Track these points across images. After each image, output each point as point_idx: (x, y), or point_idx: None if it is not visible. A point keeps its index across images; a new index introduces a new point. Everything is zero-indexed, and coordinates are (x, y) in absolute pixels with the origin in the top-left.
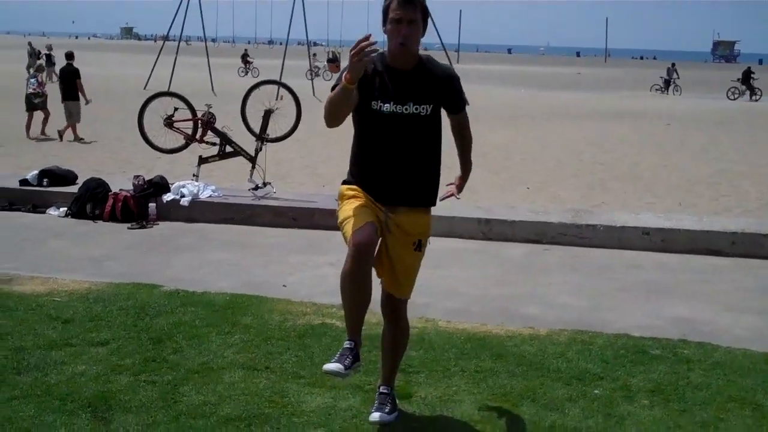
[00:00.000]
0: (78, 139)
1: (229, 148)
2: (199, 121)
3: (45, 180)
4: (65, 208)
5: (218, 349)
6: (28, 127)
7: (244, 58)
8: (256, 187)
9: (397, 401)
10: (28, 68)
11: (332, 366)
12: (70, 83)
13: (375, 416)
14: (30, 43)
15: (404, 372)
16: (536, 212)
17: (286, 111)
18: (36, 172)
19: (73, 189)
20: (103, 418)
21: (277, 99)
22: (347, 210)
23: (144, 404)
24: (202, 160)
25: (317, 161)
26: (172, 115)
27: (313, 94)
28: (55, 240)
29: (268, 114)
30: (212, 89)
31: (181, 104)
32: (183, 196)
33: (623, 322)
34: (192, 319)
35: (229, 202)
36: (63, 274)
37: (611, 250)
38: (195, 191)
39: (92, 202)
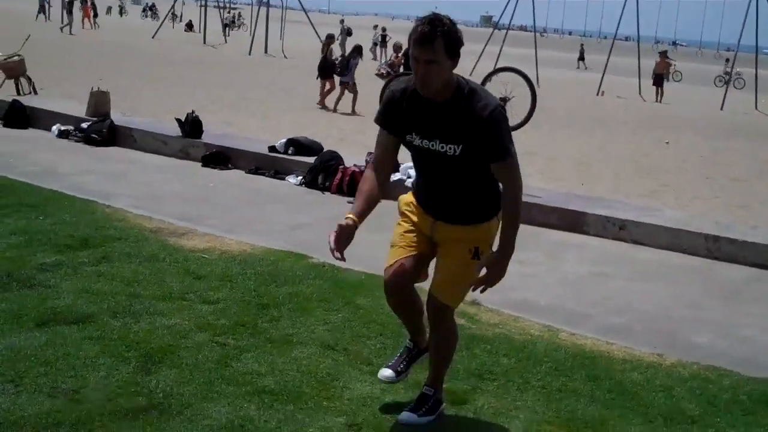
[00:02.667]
0: None
1: None
2: None
3: (291, 148)
4: (302, 177)
5: (313, 324)
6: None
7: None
8: None
9: (443, 405)
10: (340, 44)
11: (385, 373)
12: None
13: (403, 415)
14: (342, 21)
15: (479, 377)
16: None
17: (522, 100)
18: (284, 140)
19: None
20: (146, 369)
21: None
22: (394, 235)
23: (196, 364)
24: None
25: (559, 154)
26: None
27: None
28: (272, 205)
29: (502, 102)
30: (537, 82)
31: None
32: (409, 177)
33: None
34: (312, 292)
35: None
36: (244, 236)
37: None
38: None
39: (324, 173)
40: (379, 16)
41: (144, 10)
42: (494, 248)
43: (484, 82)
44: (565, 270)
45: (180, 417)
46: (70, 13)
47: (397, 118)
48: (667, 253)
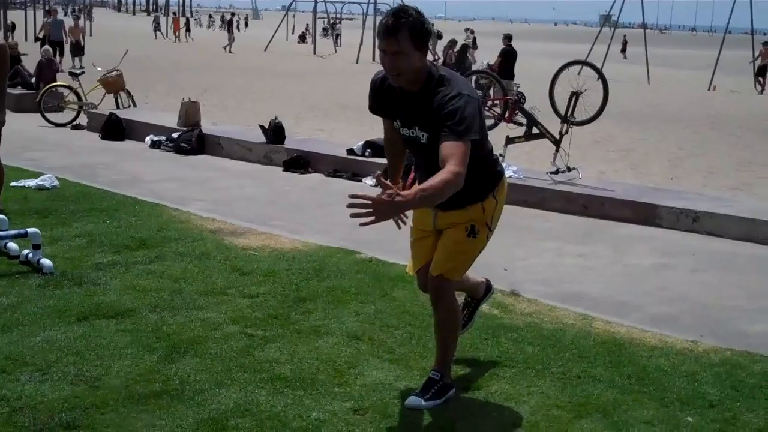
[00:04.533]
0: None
1: (535, 130)
2: (509, 101)
3: (368, 150)
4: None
5: (344, 316)
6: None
7: None
8: (557, 171)
9: (452, 390)
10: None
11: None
12: (508, 62)
13: (409, 399)
14: (432, 25)
15: (499, 365)
16: None
17: (594, 94)
18: (362, 142)
19: None
20: (170, 358)
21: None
22: (410, 237)
23: (219, 353)
24: (509, 141)
25: (655, 149)
26: (484, 94)
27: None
28: (342, 206)
29: (574, 96)
30: (648, 80)
31: (592, 73)
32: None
33: None
34: (351, 285)
35: (524, 184)
36: (304, 235)
37: None
38: None
39: None
40: (497, 20)
41: (325, 29)
42: (491, 226)
43: (555, 76)
44: (627, 262)
45: (190, 402)
46: (230, 32)
47: (382, 104)
48: (742, 243)
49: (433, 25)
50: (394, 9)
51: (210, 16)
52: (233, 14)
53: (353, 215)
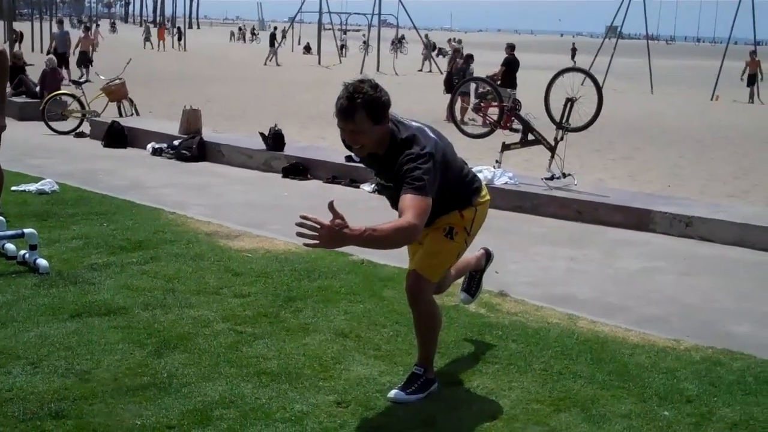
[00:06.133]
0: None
1: (531, 136)
2: (504, 108)
3: None
4: (374, 185)
5: (332, 315)
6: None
7: None
8: (552, 177)
9: (435, 385)
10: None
11: (462, 296)
12: (511, 71)
13: (391, 393)
14: (426, 36)
15: (482, 361)
16: None
17: (589, 101)
18: None
19: None
20: (159, 353)
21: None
22: (409, 255)
23: (207, 349)
24: (505, 147)
25: (654, 158)
26: (481, 101)
27: None
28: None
29: (569, 103)
30: (651, 89)
31: (588, 82)
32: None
33: None
34: (342, 285)
35: (519, 190)
36: (294, 238)
37: None
38: (490, 177)
39: None
40: (503, 31)
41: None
42: (470, 231)
43: (550, 83)
44: (618, 266)
45: (177, 394)
46: (272, 45)
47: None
48: (734, 248)
49: (427, 35)
50: (349, 89)
51: (240, 28)
52: (275, 28)
53: (299, 234)
